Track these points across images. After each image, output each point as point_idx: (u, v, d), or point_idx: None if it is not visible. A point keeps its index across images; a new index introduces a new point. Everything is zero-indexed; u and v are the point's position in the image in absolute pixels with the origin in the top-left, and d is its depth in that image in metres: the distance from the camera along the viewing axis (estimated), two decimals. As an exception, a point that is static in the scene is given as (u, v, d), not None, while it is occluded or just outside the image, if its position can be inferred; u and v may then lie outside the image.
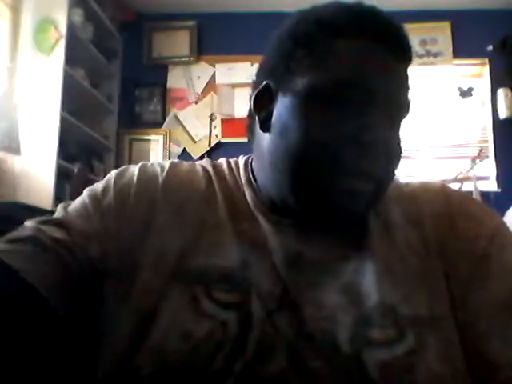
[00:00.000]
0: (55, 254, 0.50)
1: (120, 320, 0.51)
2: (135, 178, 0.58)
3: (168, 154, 3.57)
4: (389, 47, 0.52)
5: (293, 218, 0.56)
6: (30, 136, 2.63)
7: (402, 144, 0.55)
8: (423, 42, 3.62)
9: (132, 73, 3.67)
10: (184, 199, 0.57)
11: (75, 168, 2.74)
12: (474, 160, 3.26)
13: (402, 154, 0.55)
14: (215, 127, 3.58)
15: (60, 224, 0.54)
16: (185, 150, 3.58)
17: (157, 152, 3.58)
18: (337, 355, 0.48)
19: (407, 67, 0.56)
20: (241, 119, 3.35)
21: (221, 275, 0.52)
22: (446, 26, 3.62)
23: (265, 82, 0.57)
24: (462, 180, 3.13)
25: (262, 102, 0.57)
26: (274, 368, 0.47)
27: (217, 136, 3.56)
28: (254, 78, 0.61)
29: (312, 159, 0.51)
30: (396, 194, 0.59)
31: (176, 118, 3.63)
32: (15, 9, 2.75)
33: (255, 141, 0.61)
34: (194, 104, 3.63)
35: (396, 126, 0.55)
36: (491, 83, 3.55)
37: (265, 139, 0.57)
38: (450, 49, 3.60)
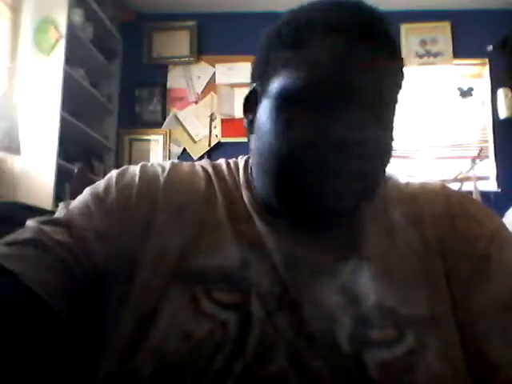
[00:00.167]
0: (59, 259, 0.50)
1: (120, 320, 0.51)
2: (137, 178, 0.58)
3: (168, 154, 3.57)
4: (370, 44, 0.51)
5: (286, 218, 0.56)
6: (30, 136, 2.63)
7: (392, 142, 0.54)
8: (423, 42, 3.62)
9: (132, 73, 3.67)
10: (184, 200, 0.57)
11: (75, 168, 2.74)
12: (473, 160, 3.27)
13: (391, 152, 0.54)
14: (215, 127, 3.58)
15: (62, 224, 0.53)
16: (185, 149, 3.57)
17: (157, 152, 3.58)
18: (337, 355, 0.48)
19: (396, 64, 0.54)
20: (241, 119, 3.27)
21: (220, 275, 0.52)
22: (446, 26, 3.61)
23: (253, 86, 0.58)
24: (461, 180, 3.13)
25: (250, 106, 0.59)
26: (274, 368, 0.47)
27: (217, 136, 3.56)
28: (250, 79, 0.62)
29: (289, 161, 0.51)
30: (396, 194, 0.59)
31: (176, 117, 3.63)
32: (15, 9, 2.75)
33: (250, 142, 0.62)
34: (193, 104, 3.63)
35: (384, 124, 0.53)
36: (491, 83, 3.54)
37: (252, 141, 0.59)
38: (450, 49, 3.60)
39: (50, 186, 2.63)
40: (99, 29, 3.29)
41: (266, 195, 0.57)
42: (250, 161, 0.62)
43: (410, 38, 3.60)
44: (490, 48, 3.51)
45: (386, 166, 0.55)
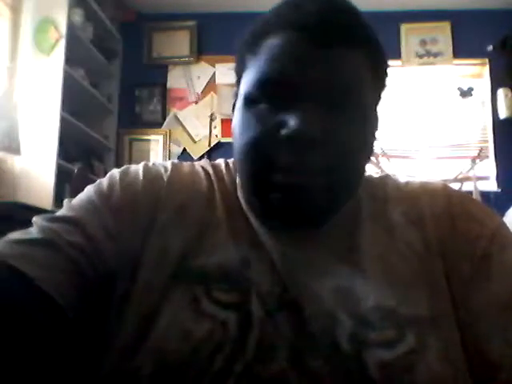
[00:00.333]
0: (70, 259, 0.49)
1: (124, 319, 0.51)
2: (141, 177, 0.58)
3: (168, 154, 3.57)
4: (330, 39, 0.49)
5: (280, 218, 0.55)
6: (30, 136, 2.63)
7: (366, 139, 0.53)
8: (423, 42, 3.62)
9: (132, 73, 3.67)
10: (186, 199, 0.57)
11: (75, 168, 2.74)
12: (474, 160, 3.27)
13: (366, 149, 0.53)
14: (215, 127, 3.58)
15: (71, 222, 0.52)
16: (185, 149, 3.58)
17: (157, 152, 3.58)
18: (337, 355, 0.48)
19: (360, 59, 0.51)
20: (241, 119, 3.33)
21: (221, 275, 0.52)
22: (446, 26, 3.61)
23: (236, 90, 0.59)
24: (462, 180, 3.13)
25: (234, 109, 0.59)
26: (274, 368, 0.47)
27: (217, 136, 3.56)
28: None
29: (248, 160, 0.52)
30: (396, 194, 0.59)
31: (176, 117, 3.63)
32: (15, 9, 2.75)
33: None
34: (193, 104, 3.64)
35: (348, 120, 0.50)
36: (491, 83, 3.54)
37: None
38: (450, 49, 3.60)
39: (50, 186, 2.64)
40: (99, 29, 3.29)
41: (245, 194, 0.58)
42: None
43: (409, 37, 3.60)
44: (490, 48, 3.51)
45: (358, 162, 0.53)
